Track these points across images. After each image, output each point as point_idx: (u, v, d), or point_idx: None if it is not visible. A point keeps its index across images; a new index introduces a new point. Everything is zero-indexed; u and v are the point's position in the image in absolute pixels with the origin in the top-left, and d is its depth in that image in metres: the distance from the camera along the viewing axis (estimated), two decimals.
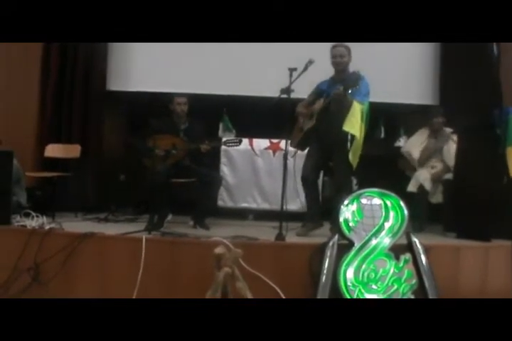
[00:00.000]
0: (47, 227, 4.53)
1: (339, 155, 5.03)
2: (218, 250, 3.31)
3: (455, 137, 5.56)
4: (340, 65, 5.07)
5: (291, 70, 4.71)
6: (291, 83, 4.73)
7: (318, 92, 5.21)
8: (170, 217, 5.78)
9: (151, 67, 6.96)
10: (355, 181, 6.30)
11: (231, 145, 5.63)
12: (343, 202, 3.98)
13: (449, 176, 5.57)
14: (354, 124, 4.83)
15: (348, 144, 4.98)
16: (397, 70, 6.85)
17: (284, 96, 4.82)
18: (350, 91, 4.78)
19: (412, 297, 3.85)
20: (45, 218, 4.77)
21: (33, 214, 4.79)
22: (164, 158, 5.49)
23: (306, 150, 5.32)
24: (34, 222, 4.67)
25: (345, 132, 4.87)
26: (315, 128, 5.08)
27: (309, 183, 5.19)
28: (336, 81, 5.10)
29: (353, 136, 4.91)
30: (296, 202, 5.48)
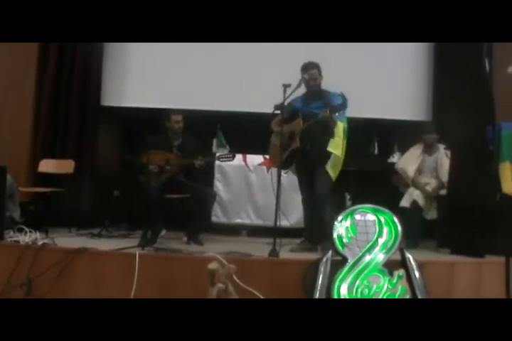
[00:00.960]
0: (40, 243, 4.50)
1: (321, 171, 5.00)
2: (212, 266, 3.30)
3: (449, 153, 5.58)
4: (313, 87, 5.09)
5: (285, 86, 4.72)
6: (285, 99, 4.75)
7: (292, 111, 5.12)
8: (164, 232, 5.77)
9: (146, 83, 7.00)
10: (348, 197, 6.33)
11: (224, 160, 5.63)
12: (337, 218, 3.98)
13: (443, 192, 5.60)
14: (338, 144, 4.92)
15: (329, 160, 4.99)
16: (391, 86, 6.89)
17: (278, 112, 4.85)
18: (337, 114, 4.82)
19: None
20: (38, 233, 4.74)
21: (26, 229, 4.77)
22: (158, 174, 5.50)
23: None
24: (27, 237, 4.65)
25: (329, 151, 4.92)
26: (300, 148, 5.02)
27: (309, 205, 5.19)
28: (310, 98, 5.13)
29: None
30: (290, 218, 5.47)
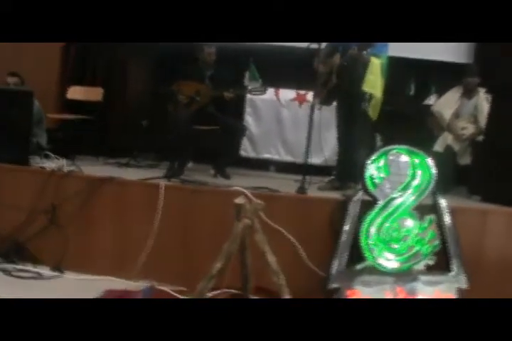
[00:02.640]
0: (66, 170, 4.46)
1: (359, 111, 4.88)
2: (239, 200, 3.22)
3: (489, 98, 5.37)
4: None
5: None
6: None
7: (334, 44, 4.96)
8: (190, 164, 5.72)
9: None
10: (379, 137, 6.20)
11: (256, 94, 5.53)
12: (370, 157, 3.85)
13: (479, 138, 5.43)
14: (374, 83, 4.71)
15: (367, 100, 4.85)
16: None
17: (314, 46, 4.67)
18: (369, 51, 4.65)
19: (434, 259, 3.76)
20: (65, 161, 4.70)
21: (53, 156, 4.74)
22: (187, 105, 5.41)
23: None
24: (53, 164, 4.62)
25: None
26: (337, 86, 4.90)
27: (343, 144, 5.11)
28: None
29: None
30: (320, 156, 5.36)
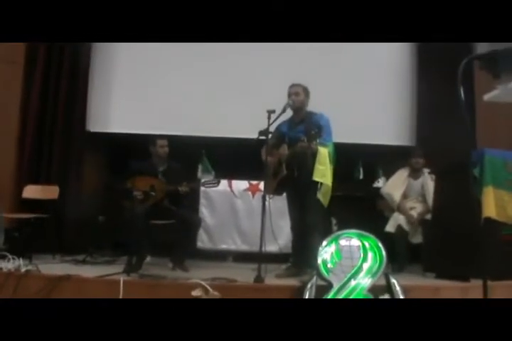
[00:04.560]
0: (23, 270, 4.46)
1: (310, 198, 4.96)
2: (195, 293, 3.30)
3: (433, 177, 5.60)
4: (295, 102, 5.05)
5: (270, 112, 4.74)
6: (269, 125, 4.76)
7: (279, 135, 5.18)
8: (148, 258, 5.73)
9: (131, 109, 7.01)
10: (334, 221, 6.33)
11: (209, 187, 5.64)
12: (322, 243, 3.98)
13: (428, 216, 5.61)
14: (323, 172, 4.84)
15: (318, 188, 4.94)
16: (375, 112, 6.94)
17: (263, 138, 4.85)
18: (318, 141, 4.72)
19: None
20: (21, 260, 4.69)
21: (9, 256, 4.73)
22: (143, 200, 5.47)
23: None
24: (10, 264, 4.61)
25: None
26: (287, 176, 5.02)
27: (298, 232, 5.17)
28: (295, 122, 5.15)
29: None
30: (275, 244, 5.43)
